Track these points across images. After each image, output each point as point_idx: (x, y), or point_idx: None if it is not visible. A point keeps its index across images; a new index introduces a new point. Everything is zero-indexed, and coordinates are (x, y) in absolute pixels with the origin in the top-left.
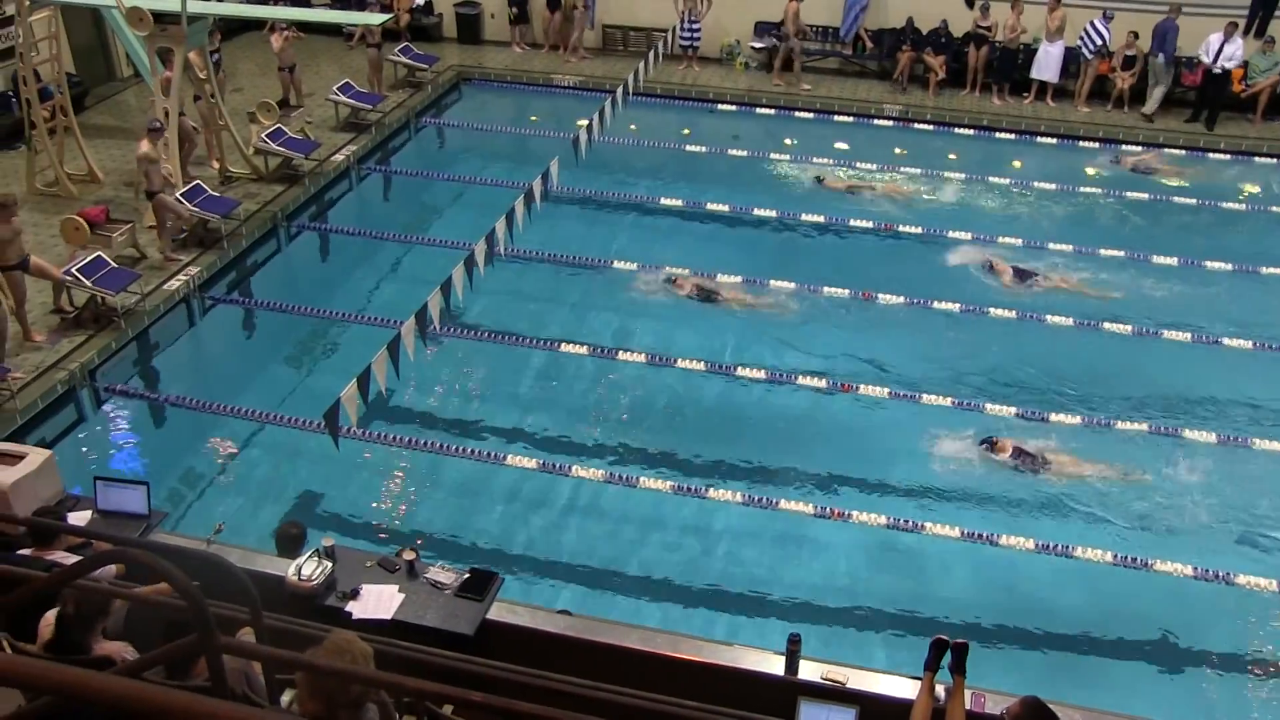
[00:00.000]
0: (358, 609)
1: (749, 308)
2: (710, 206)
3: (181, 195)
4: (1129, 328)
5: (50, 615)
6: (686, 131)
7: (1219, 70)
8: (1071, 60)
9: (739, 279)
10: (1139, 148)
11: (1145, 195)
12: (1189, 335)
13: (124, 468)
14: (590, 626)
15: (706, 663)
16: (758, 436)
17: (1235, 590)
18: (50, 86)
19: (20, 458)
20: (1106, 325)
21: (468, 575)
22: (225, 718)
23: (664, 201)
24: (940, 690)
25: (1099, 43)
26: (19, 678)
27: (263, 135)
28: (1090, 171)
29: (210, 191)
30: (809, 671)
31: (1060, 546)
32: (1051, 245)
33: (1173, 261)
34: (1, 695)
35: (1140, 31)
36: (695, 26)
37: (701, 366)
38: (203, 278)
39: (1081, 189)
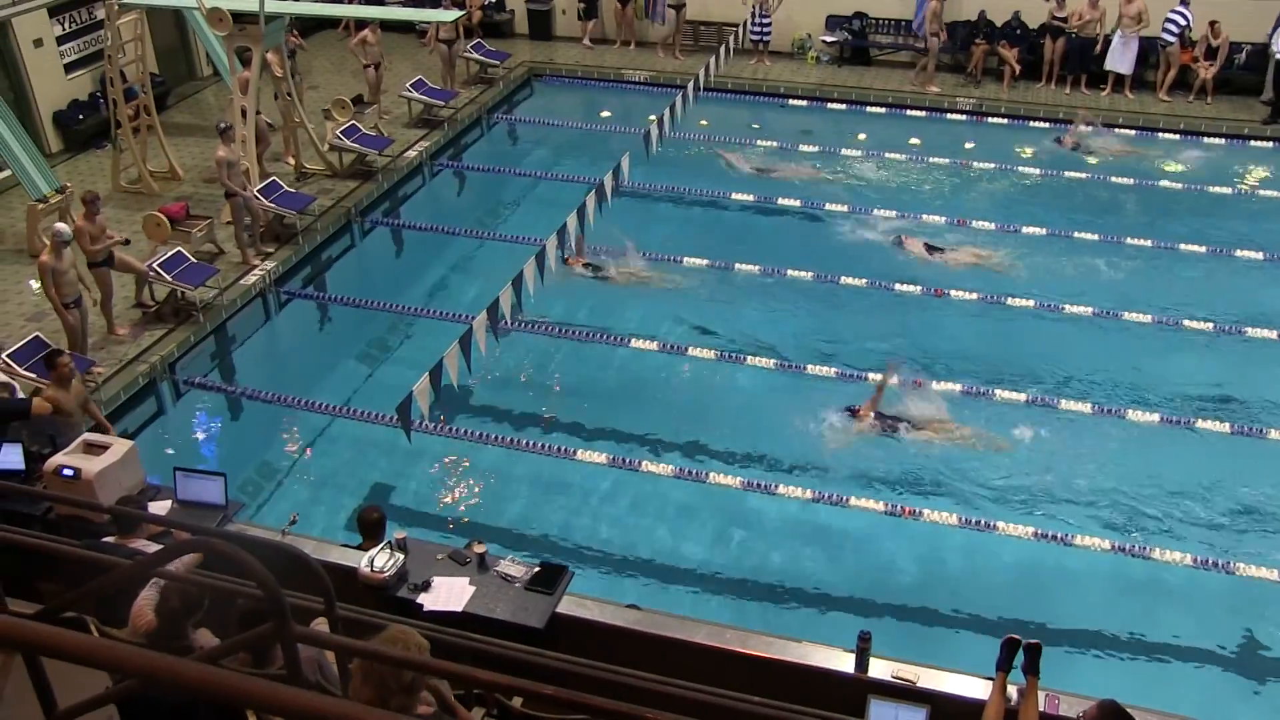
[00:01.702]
0: (429, 601)
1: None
2: (782, 202)
3: (258, 191)
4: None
5: (144, 605)
6: (756, 126)
7: None
8: (1150, 51)
9: (808, 274)
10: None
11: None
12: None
13: (202, 459)
14: (659, 621)
15: (775, 659)
16: (827, 431)
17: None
18: (135, 87)
19: (105, 448)
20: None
21: (538, 569)
22: (299, 705)
23: (735, 196)
24: (1013, 691)
25: (1177, 30)
26: (108, 661)
27: (337, 132)
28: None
29: (286, 188)
30: (879, 670)
31: (1137, 548)
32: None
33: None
34: (91, 677)
35: (1221, 19)
36: (766, 21)
37: (772, 364)
38: (278, 273)
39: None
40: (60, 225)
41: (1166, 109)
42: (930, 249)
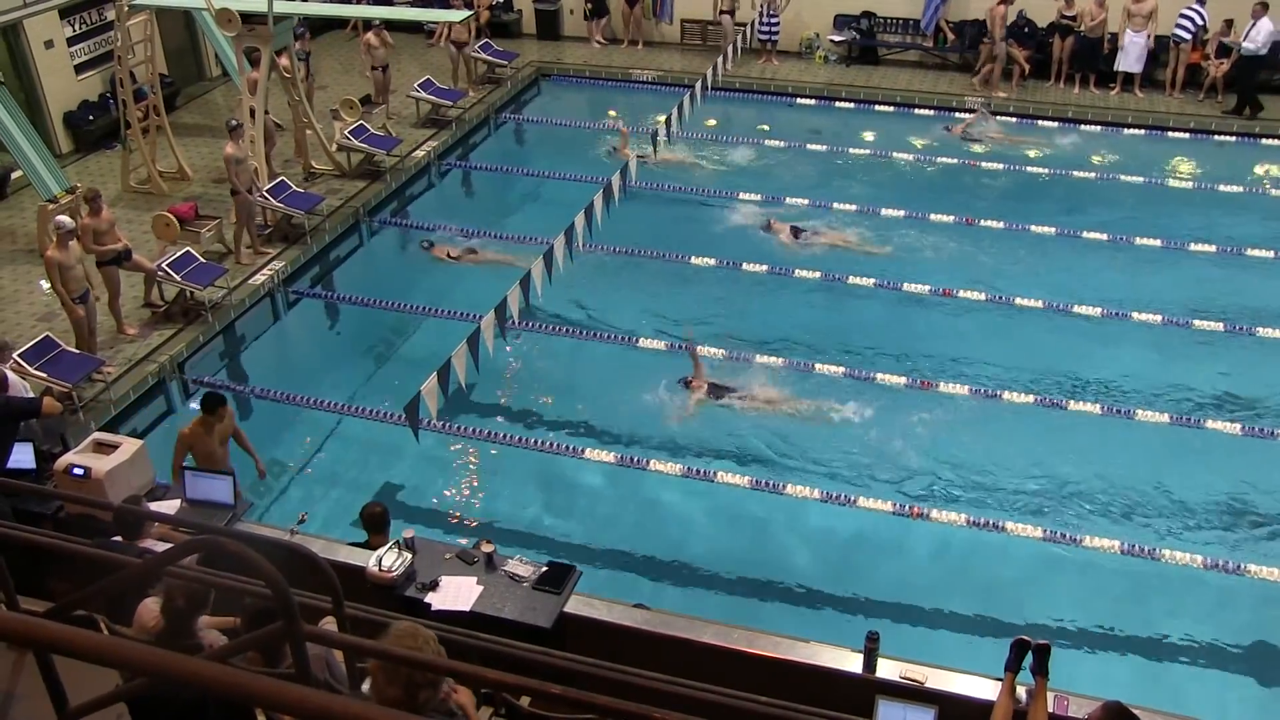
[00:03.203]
0: (437, 600)
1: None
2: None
3: (266, 191)
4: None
5: (152, 604)
6: (765, 127)
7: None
8: (1160, 50)
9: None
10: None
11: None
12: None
13: None
14: (667, 621)
15: (783, 659)
16: (842, 434)
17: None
18: (145, 87)
19: (115, 447)
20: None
21: (545, 568)
22: (307, 704)
23: (742, 196)
24: (1022, 692)
25: (1193, 28)
26: (118, 660)
27: (345, 132)
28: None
29: (294, 188)
30: (887, 670)
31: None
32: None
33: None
34: (101, 675)
35: (1236, 17)
36: (774, 20)
37: (780, 362)
38: (286, 272)
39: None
40: (61, 217)
41: (1175, 106)
42: (796, 232)
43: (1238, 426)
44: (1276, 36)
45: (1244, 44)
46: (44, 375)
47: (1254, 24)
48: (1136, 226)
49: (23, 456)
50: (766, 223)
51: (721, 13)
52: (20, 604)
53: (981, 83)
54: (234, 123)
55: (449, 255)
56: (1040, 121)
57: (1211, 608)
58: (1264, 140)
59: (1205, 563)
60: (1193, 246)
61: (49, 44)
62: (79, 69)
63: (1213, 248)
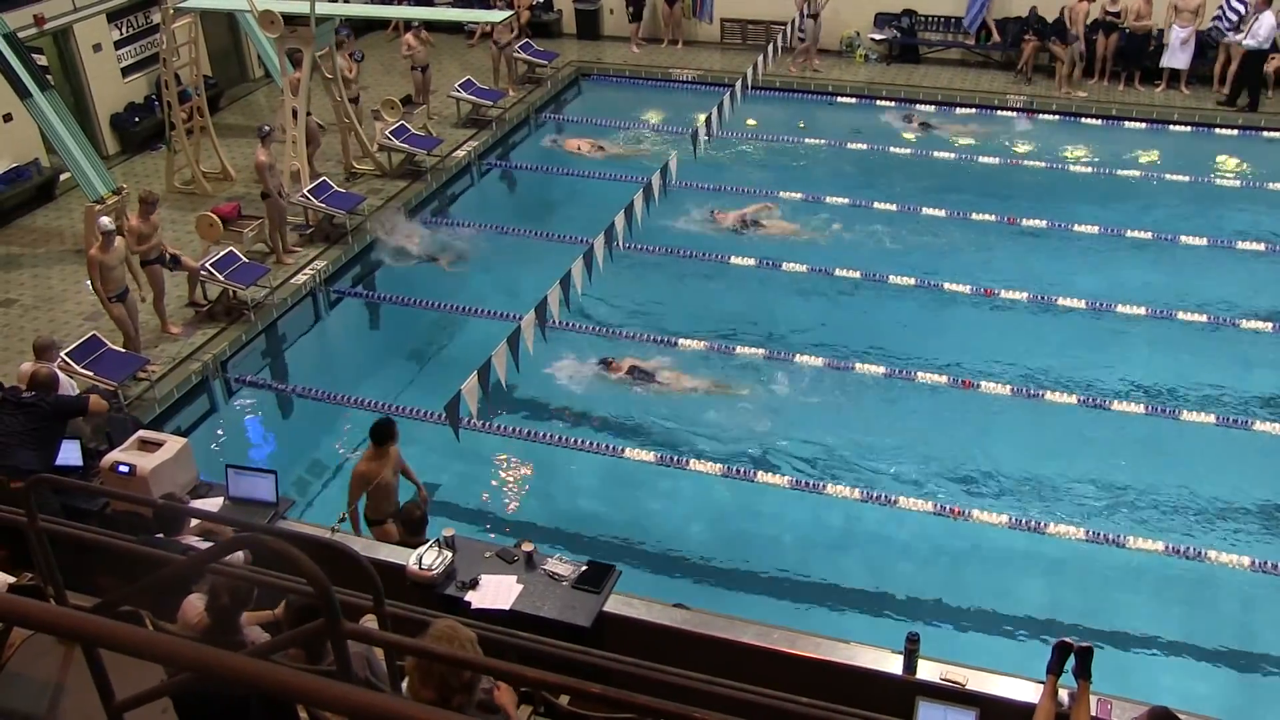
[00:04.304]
0: (476, 599)
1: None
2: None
3: (308, 191)
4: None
5: (196, 600)
6: (802, 125)
7: None
8: (1209, 47)
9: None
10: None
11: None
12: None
13: (253, 456)
14: (706, 620)
15: (823, 659)
16: (882, 429)
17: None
18: (189, 89)
19: (159, 445)
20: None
21: (585, 567)
22: (348, 701)
23: (783, 195)
24: (1064, 695)
25: (1235, 19)
26: (163, 655)
27: (386, 132)
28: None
29: (335, 188)
30: (927, 671)
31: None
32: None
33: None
34: (146, 670)
35: None
36: (814, 19)
37: (821, 362)
38: (328, 272)
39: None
40: (104, 219)
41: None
42: (744, 222)
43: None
44: (1273, 29)
45: (1245, 40)
46: (90, 374)
47: (1256, 18)
48: (1182, 224)
49: (70, 454)
50: (710, 212)
51: (807, 16)
52: (68, 599)
53: (1062, 82)
54: (265, 129)
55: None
56: (1083, 119)
57: (1261, 612)
58: None
59: (1254, 565)
60: (1240, 245)
61: (97, 48)
62: (125, 72)
63: (1261, 245)
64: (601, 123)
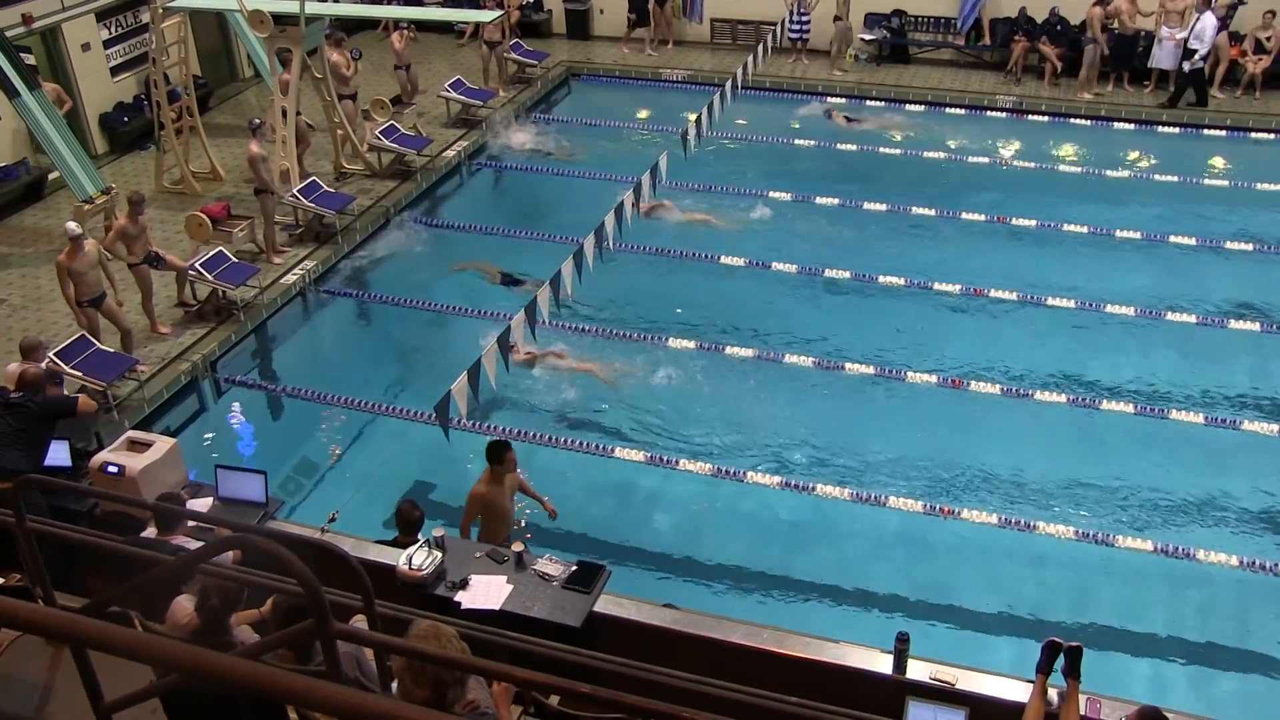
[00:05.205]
0: (466, 599)
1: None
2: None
3: (298, 191)
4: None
5: (185, 601)
6: (795, 125)
7: None
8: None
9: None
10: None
11: None
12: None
13: (243, 456)
14: (696, 620)
15: (812, 659)
16: (872, 429)
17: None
18: (178, 89)
19: (148, 445)
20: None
21: (575, 568)
22: (338, 701)
23: (773, 195)
24: (1053, 694)
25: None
26: (152, 656)
27: (376, 132)
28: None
29: (325, 187)
30: (917, 671)
31: (1182, 549)
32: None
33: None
34: (135, 671)
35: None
36: (805, 19)
37: (809, 362)
38: (318, 272)
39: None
40: (70, 224)
41: (1211, 104)
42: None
43: (1275, 427)
44: (1215, 30)
45: (1191, 41)
46: (79, 374)
47: (1198, 18)
48: (1170, 224)
49: (59, 454)
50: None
51: (835, 19)
52: (57, 600)
53: (1082, 86)
54: (255, 122)
55: None
56: (1073, 119)
57: (1250, 610)
58: None
59: (1243, 563)
60: (1229, 244)
61: (86, 47)
62: (114, 71)
63: (1249, 245)
64: (591, 123)
